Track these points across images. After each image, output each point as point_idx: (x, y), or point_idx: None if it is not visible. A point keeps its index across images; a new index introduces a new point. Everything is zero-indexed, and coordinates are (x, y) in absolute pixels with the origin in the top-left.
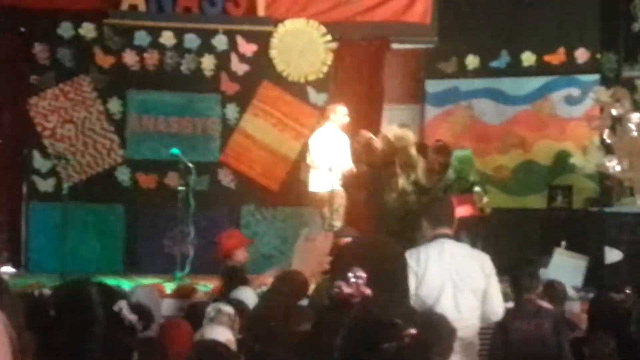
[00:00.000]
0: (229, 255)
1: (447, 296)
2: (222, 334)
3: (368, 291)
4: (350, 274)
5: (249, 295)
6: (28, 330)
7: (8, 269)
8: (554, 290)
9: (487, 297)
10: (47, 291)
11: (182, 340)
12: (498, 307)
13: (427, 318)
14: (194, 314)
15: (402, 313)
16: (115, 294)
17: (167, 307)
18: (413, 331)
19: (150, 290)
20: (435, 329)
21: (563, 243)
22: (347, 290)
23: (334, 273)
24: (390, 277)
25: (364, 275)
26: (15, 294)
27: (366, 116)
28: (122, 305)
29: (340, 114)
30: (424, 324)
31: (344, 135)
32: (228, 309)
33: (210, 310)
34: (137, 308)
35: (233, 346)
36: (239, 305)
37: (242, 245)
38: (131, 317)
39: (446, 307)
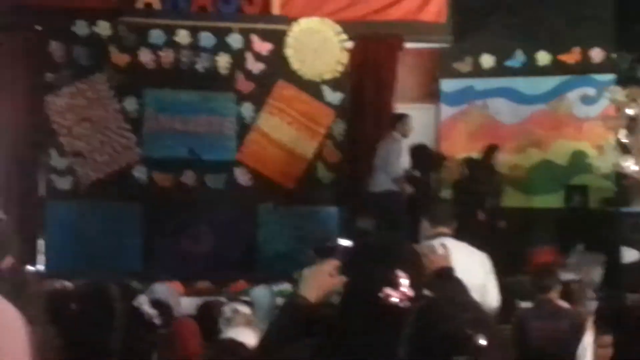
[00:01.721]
0: None
1: None
2: (242, 334)
3: (411, 292)
4: (393, 277)
5: (264, 295)
6: (50, 324)
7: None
8: (572, 291)
9: (484, 292)
10: (68, 285)
11: (189, 339)
12: (494, 302)
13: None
14: (205, 313)
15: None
16: (135, 290)
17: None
18: (483, 342)
19: (170, 288)
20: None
21: (580, 245)
22: (396, 295)
23: (354, 276)
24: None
25: (404, 277)
26: (37, 291)
27: (380, 115)
28: (142, 301)
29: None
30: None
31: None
32: (245, 309)
33: (227, 310)
34: (157, 303)
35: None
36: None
37: None
38: (151, 311)
39: None
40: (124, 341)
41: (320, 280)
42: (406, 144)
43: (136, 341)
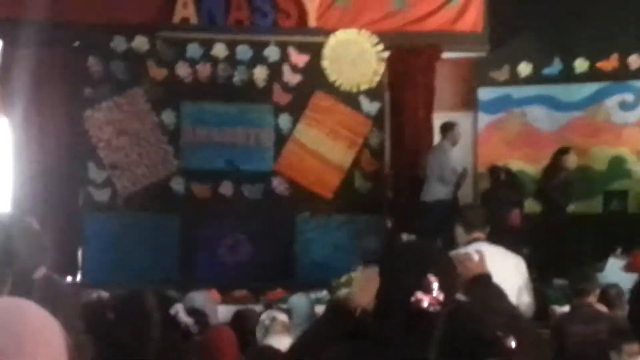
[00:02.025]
0: None
1: None
2: (280, 342)
3: (442, 296)
4: (425, 281)
5: (302, 303)
6: (86, 333)
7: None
8: (610, 295)
9: (520, 296)
10: (105, 294)
11: (225, 347)
12: (528, 305)
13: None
14: (239, 322)
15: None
16: (171, 298)
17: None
18: (513, 344)
19: (206, 296)
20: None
21: (619, 249)
22: (427, 299)
23: (386, 281)
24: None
25: (435, 281)
26: (72, 300)
27: (418, 125)
28: (178, 309)
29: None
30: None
31: None
32: (282, 317)
33: (264, 317)
34: (192, 312)
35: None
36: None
37: None
38: (187, 320)
39: None
40: (160, 350)
41: (372, 284)
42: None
43: (172, 350)
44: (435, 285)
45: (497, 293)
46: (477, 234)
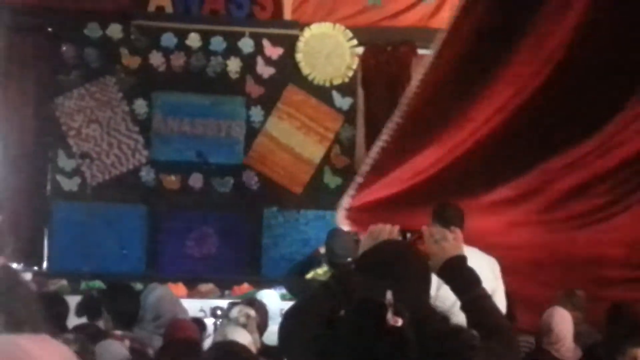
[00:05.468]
0: None
1: None
2: (245, 336)
3: (402, 310)
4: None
5: (273, 298)
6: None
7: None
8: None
9: (494, 297)
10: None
11: (185, 339)
12: (502, 307)
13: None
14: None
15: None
16: (136, 292)
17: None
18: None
19: (167, 289)
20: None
21: None
22: (399, 321)
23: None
24: (412, 281)
25: (392, 297)
26: (30, 289)
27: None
28: None
29: None
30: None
31: None
32: (254, 313)
33: (237, 314)
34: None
35: (253, 348)
36: (261, 308)
37: None
38: None
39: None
40: None
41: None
42: None
43: None
44: (392, 302)
45: (474, 278)
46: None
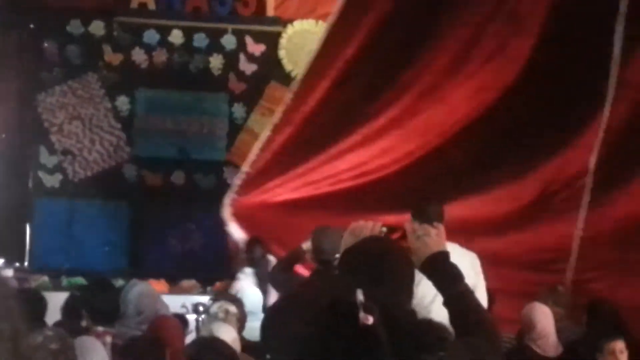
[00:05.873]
0: None
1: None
2: (230, 332)
3: (373, 309)
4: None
5: (253, 293)
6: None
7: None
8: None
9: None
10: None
11: (168, 336)
12: (483, 303)
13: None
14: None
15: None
16: (117, 288)
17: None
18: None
19: (148, 285)
20: None
21: None
22: (370, 319)
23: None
24: (397, 278)
25: (363, 297)
26: (7, 286)
27: None
28: None
29: None
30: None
31: None
32: (234, 309)
33: (217, 309)
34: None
35: (237, 345)
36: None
37: None
38: None
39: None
40: None
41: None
42: None
43: None
44: (362, 300)
45: (456, 273)
46: None
